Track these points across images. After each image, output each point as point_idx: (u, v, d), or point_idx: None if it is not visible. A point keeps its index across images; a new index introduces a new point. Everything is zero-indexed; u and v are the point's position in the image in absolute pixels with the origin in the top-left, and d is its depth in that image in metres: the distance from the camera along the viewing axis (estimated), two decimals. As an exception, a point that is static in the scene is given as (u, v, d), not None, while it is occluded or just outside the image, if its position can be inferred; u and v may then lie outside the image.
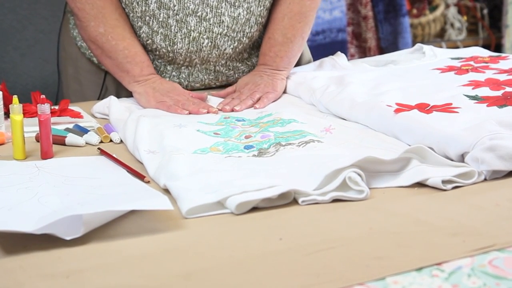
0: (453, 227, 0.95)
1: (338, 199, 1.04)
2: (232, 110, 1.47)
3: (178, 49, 1.55)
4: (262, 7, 1.56)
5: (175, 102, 1.48)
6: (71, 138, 1.33)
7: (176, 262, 0.88)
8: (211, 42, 1.55)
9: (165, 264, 0.88)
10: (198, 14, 1.52)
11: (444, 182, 1.07)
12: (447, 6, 3.44)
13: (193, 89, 1.64)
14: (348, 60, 1.70)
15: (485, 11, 3.51)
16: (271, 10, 1.60)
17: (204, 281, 0.84)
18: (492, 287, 0.81)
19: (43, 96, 1.25)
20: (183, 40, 1.54)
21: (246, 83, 1.57)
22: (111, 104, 1.47)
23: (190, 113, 1.44)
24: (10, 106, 1.26)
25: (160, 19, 1.52)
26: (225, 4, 1.52)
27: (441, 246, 0.90)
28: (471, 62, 1.56)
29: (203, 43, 1.54)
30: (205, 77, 1.62)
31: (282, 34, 1.58)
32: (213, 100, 1.56)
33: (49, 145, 1.26)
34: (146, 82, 1.53)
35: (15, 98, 1.26)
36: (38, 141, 1.31)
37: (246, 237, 0.95)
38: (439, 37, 3.45)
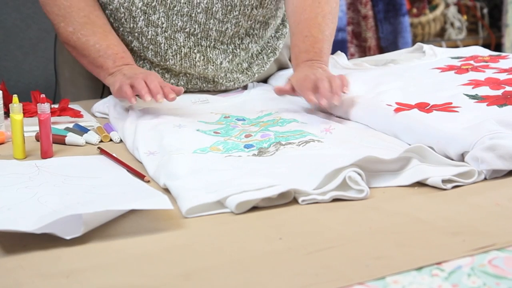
0: (453, 226, 0.95)
1: (338, 199, 1.04)
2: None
3: (171, 65, 1.54)
4: (252, 21, 1.55)
5: (135, 78, 1.37)
6: (71, 137, 1.33)
7: (176, 262, 0.88)
8: (203, 56, 1.54)
9: (165, 264, 0.88)
10: (186, 30, 1.51)
11: (444, 181, 1.07)
12: (447, 5, 3.45)
13: (192, 93, 1.63)
14: (348, 59, 1.70)
15: (485, 11, 3.51)
16: (296, 13, 1.55)
17: (204, 281, 0.84)
18: (492, 286, 0.81)
19: (43, 95, 1.25)
20: (175, 56, 1.53)
21: (306, 76, 1.41)
22: (111, 104, 1.47)
23: (148, 93, 1.34)
24: (10, 105, 1.26)
25: (149, 37, 1.52)
26: (213, 21, 1.51)
27: (441, 245, 0.90)
28: (471, 62, 1.56)
29: (195, 57, 1.54)
30: (204, 85, 1.62)
31: (321, 31, 1.52)
32: (215, 99, 1.56)
33: (49, 144, 1.26)
34: (118, 72, 1.45)
35: (15, 98, 1.26)
36: (38, 141, 1.31)
37: (246, 237, 0.95)
38: (439, 37, 3.45)
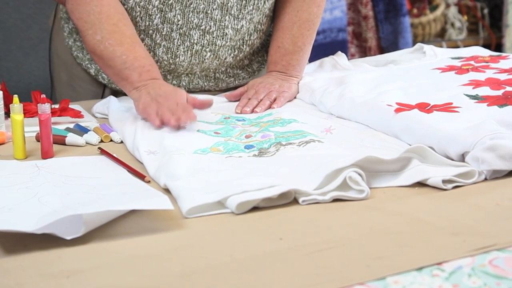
0: (453, 226, 0.95)
1: (339, 199, 1.04)
2: (252, 112, 1.46)
3: (180, 62, 1.54)
4: (261, 15, 1.56)
5: (158, 109, 1.35)
6: (71, 137, 1.33)
7: (176, 262, 0.88)
8: (213, 54, 1.55)
9: (165, 264, 0.88)
10: (201, 28, 1.51)
11: (444, 181, 1.07)
12: (448, 5, 3.44)
13: (193, 93, 1.63)
14: (349, 59, 1.70)
15: (486, 11, 3.51)
16: (277, 18, 1.60)
17: (204, 281, 0.84)
18: (493, 287, 0.81)
19: (43, 96, 1.25)
20: (186, 53, 1.53)
21: (260, 82, 1.56)
22: (110, 105, 1.47)
23: (163, 123, 1.32)
24: (10, 105, 1.26)
25: (164, 33, 1.51)
26: (229, 17, 1.52)
27: (442, 245, 0.90)
28: (472, 62, 1.56)
29: (205, 55, 1.54)
30: (205, 83, 1.62)
31: (293, 43, 1.58)
32: (215, 100, 1.56)
33: (49, 144, 1.26)
34: (143, 88, 1.41)
35: (15, 98, 1.26)
36: (38, 141, 1.31)
37: (246, 237, 0.95)
38: (440, 37, 3.45)
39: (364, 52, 3.17)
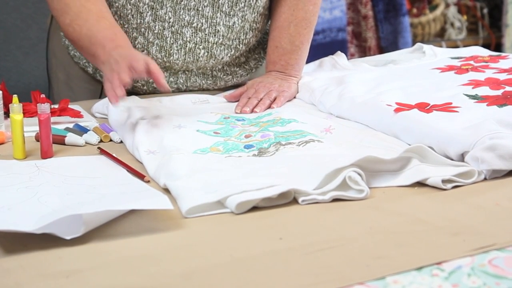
0: (453, 226, 0.95)
1: (338, 199, 1.04)
2: (252, 111, 1.46)
3: (175, 60, 1.54)
4: (256, 14, 1.56)
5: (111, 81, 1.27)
6: (71, 137, 1.33)
7: (176, 262, 0.88)
8: (208, 52, 1.55)
9: (165, 264, 0.88)
10: (193, 25, 1.51)
11: (444, 181, 1.07)
12: (447, 5, 3.44)
13: (192, 91, 1.63)
14: (348, 59, 1.70)
15: (485, 11, 3.51)
16: (273, 17, 1.60)
17: (204, 281, 0.84)
18: (492, 286, 0.81)
19: (43, 96, 1.25)
20: (179, 51, 1.53)
21: (260, 82, 1.56)
22: (110, 105, 1.46)
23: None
24: (10, 105, 1.26)
25: (156, 31, 1.51)
26: (220, 14, 1.52)
27: (441, 245, 0.90)
28: (471, 62, 1.56)
29: (199, 53, 1.54)
30: (203, 81, 1.62)
31: (290, 42, 1.58)
32: (215, 99, 1.56)
33: (49, 144, 1.26)
34: (108, 61, 1.32)
35: (15, 98, 1.26)
36: (38, 141, 1.31)
37: (246, 237, 0.95)
38: (439, 37, 3.45)
39: (363, 52, 3.17)
